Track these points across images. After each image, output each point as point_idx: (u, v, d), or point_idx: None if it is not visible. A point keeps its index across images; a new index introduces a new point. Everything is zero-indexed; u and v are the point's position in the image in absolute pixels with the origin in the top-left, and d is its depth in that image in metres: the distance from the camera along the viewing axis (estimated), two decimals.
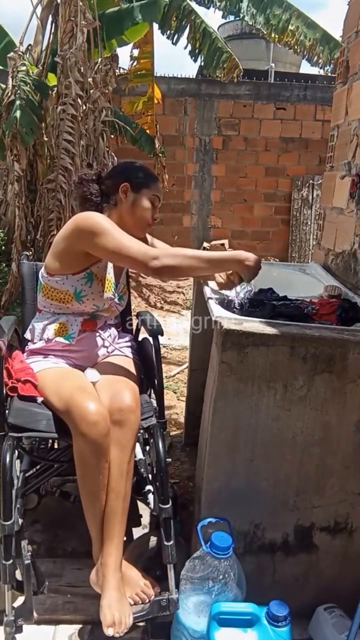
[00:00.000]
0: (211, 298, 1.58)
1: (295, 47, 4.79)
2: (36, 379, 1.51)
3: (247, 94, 6.58)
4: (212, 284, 1.70)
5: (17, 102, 3.67)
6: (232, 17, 5.09)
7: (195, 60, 4.81)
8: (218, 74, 4.80)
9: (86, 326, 1.62)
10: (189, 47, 4.71)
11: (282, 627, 1.22)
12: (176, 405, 2.90)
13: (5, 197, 4.14)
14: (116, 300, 1.68)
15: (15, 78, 3.81)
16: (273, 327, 1.33)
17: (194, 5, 4.65)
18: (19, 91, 3.72)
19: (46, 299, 1.63)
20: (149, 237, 1.80)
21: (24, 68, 3.87)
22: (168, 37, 4.67)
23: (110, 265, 1.64)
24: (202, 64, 4.86)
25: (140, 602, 1.36)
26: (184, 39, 4.69)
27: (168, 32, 4.61)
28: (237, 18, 4.92)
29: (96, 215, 1.52)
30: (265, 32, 4.73)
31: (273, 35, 4.75)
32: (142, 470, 1.75)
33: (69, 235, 1.54)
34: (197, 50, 4.69)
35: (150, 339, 1.63)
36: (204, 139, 6.68)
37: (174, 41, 4.68)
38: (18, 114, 3.62)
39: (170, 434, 2.52)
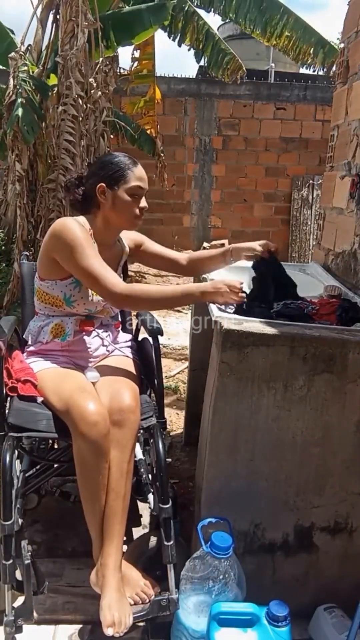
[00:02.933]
0: None
1: (292, 51, 4.84)
2: (36, 378, 1.51)
3: (247, 94, 6.58)
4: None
5: (19, 101, 3.67)
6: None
7: (199, 62, 4.85)
8: (221, 76, 4.83)
9: (82, 326, 1.62)
10: (193, 49, 4.74)
11: (282, 627, 1.21)
12: (176, 405, 2.91)
13: (5, 197, 4.15)
14: None
15: (17, 78, 3.82)
16: (273, 327, 1.33)
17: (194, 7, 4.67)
18: (20, 90, 3.72)
19: (40, 302, 1.63)
20: (151, 243, 1.79)
21: (25, 68, 3.88)
22: (173, 39, 4.70)
23: None
24: (206, 65, 4.89)
25: (140, 602, 1.36)
26: (188, 40, 4.72)
27: (172, 34, 4.64)
28: (237, 22, 4.96)
29: (74, 226, 1.49)
30: (262, 38, 4.77)
31: (271, 40, 4.79)
32: (142, 470, 1.75)
33: (46, 242, 1.54)
34: (201, 52, 4.73)
35: (150, 339, 1.63)
36: (204, 139, 6.68)
37: (178, 43, 4.71)
38: (20, 112, 3.63)
39: (170, 434, 2.52)
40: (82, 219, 1.58)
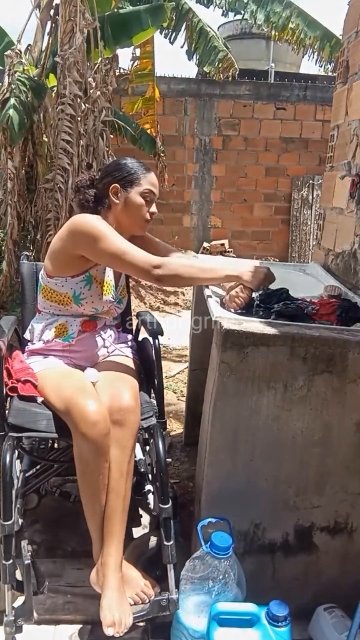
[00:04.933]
0: (211, 297, 1.57)
1: (296, 45, 4.79)
2: (36, 379, 1.51)
3: (247, 94, 6.58)
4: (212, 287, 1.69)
5: (12, 100, 3.65)
6: (232, 16, 5.10)
7: (190, 59, 4.82)
8: (213, 73, 4.80)
9: (86, 327, 1.62)
10: (186, 46, 4.72)
11: (282, 627, 1.21)
12: (176, 405, 2.91)
13: (5, 197, 4.14)
14: (115, 303, 1.68)
15: (12, 76, 3.80)
16: (273, 327, 1.33)
17: (192, 4, 4.65)
18: (14, 89, 3.71)
19: (45, 300, 1.63)
20: (149, 236, 1.79)
21: (20, 67, 3.86)
22: (165, 36, 4.67)
23: (109, 268, 1.63)
24: (197, 62, 4.85)
25: (140, 602, 1.36)
26: (181, 38, 4.70)
27: (165, 31, 4.61)
28: (238, 16, 4.92)
29: (93, 218, 1.51)
30: (265, 30, 4.73)
31: (273, 33, 4.75)
32: (142, 470, 1.75)
33: (65, 239, 1.54)
34: (193, 49, 4.70)
35: (150, 339, 1.63)
36: (204, 139, 6.68)
37: (171, 40, 4.69)
38: (11, 111, 3.61)
39: (170, 434, 2.52)
40: (97, 216, 1.59)
